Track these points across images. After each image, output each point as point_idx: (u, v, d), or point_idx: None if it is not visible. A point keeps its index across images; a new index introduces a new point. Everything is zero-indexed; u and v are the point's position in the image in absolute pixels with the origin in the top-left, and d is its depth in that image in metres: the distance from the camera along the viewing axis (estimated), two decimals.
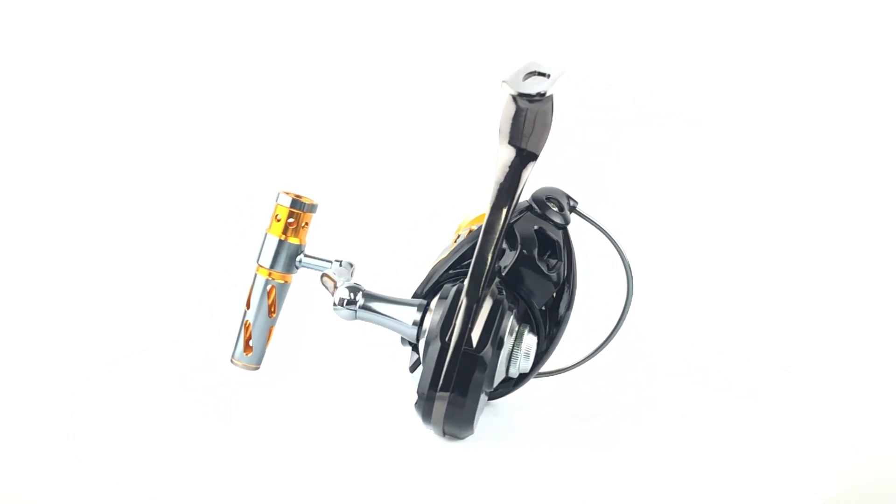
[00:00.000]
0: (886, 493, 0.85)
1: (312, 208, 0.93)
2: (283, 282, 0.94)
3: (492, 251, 0.86)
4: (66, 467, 0.85)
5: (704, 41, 1.43)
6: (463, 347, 0.85)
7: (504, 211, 0.86)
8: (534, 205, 0.92)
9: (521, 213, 0.92)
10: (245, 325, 0.94)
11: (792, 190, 1.37)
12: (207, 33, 1.44)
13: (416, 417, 0.87)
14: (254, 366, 0.94)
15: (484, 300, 0.85)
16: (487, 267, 0.86)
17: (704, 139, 1.40)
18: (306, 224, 0.93)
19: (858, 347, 1.10)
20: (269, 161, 1.38)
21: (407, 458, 0.86)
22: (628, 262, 0.93)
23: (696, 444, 0.89)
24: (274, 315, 0.94)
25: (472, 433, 0.87)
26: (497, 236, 0.86)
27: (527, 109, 0.85)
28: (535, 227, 0.91)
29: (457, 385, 0.84)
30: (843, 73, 1.41)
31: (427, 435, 0.88)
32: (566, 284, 0.91)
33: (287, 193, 0.93)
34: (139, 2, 1.44)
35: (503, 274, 0.89)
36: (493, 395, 0.92)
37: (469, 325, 0.85)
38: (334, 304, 0.89)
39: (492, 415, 0.92)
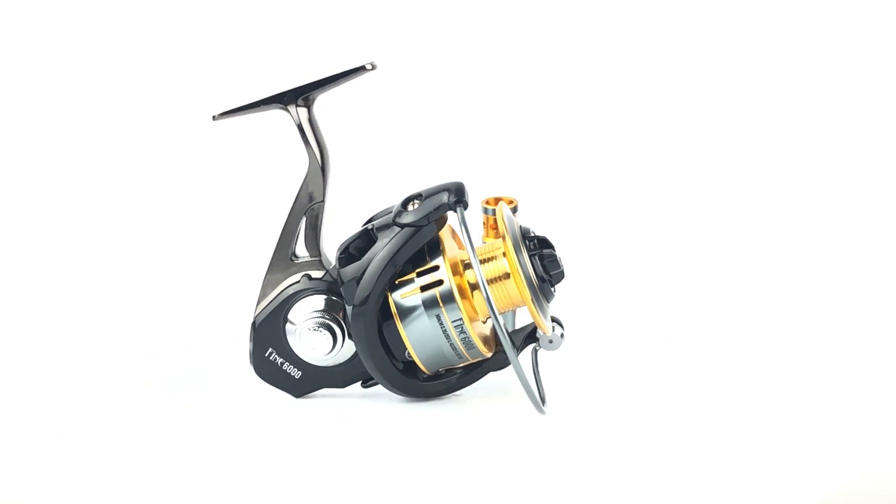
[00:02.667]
0: (887, 490, 0.85)
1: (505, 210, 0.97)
2: None
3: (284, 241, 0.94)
4: (69, 471, 0.85)
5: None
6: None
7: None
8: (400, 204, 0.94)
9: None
10: None
11: (788, 179, 1.37)
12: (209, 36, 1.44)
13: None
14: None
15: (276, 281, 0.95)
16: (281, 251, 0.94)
17: (703, 131, 1.40)
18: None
19: (859, 339, 1.10)
20: (271, 162, 1.38)
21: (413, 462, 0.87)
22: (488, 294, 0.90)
23: (693, 440, 0.89)
24: None
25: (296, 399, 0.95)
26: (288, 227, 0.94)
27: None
28: (364, 226, 0.94)
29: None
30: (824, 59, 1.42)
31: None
32: (360, 281, 0.91)
33: (486, 203, 0.98)
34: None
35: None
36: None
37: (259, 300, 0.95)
38: None
39: (488, 404, 0.94)
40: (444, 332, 0.91)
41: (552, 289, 0.93)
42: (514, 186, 1.02)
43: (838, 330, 1.12)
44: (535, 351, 0.94)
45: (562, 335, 0.93)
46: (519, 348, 0.94)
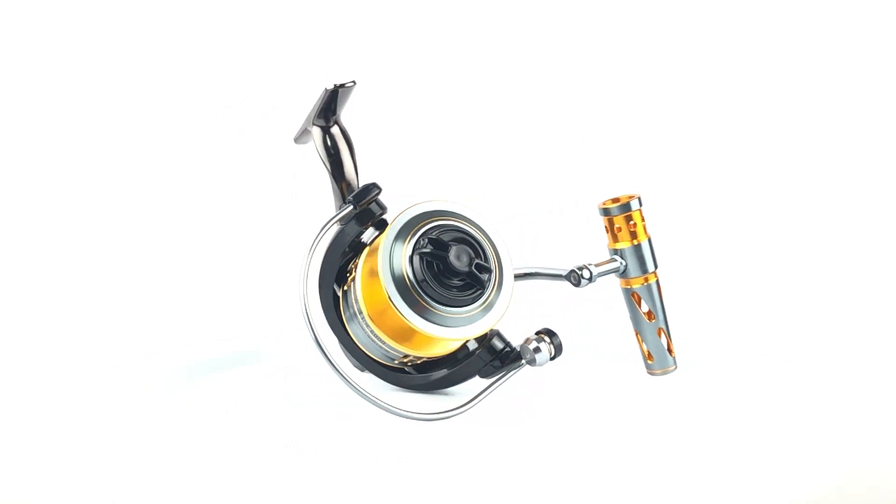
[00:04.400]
0: (885, 489, 0.85)
1: (613, 210, 0.92)
2: (642, 284, 0.93)
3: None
4: (69, 471, 0.85)
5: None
6: None
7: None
8: None
9: None
10: (636, 337, 0.94)
11: (788, 180, 1.37)
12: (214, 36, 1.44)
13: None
14: (668, 368, 0.94)
15: None
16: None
17: (701, 132, 1.40)
18: (620, 227, 0.93)
19: (859, 339, 1.10)
20: (270, 164, 1.38)
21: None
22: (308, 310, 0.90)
23: (693, 440, 0.89)
24: (654, 318, 0.93)
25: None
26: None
27: None
28: None
29: None
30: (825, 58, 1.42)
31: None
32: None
33: (603, 205, 0.92)
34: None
35: None
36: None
37: None
38: None
39: (487, 404, 0.93)
40: (357, 322, 0.93)
41: (470, 292, 0.89)
42: (514, 187, 1.02)
43: (838, 330, 1.12)
44: (518, 367, 0.91)
45: (545, 350, 0.90)
46: (506, 364, 0.92)
